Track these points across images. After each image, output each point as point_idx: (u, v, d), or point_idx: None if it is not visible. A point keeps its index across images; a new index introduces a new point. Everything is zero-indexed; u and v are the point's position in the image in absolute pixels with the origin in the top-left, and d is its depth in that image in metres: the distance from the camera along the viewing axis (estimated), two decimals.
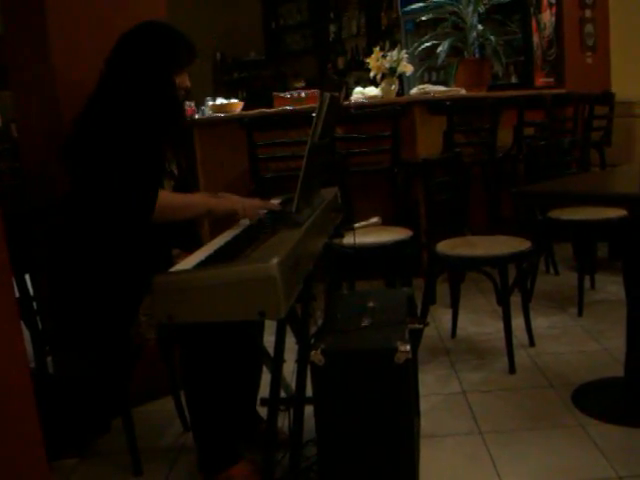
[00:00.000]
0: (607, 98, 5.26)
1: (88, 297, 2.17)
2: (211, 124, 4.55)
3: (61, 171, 2.58)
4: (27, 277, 2.46)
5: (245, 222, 2.22)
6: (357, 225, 3.26)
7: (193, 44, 2.28)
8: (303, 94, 4.74)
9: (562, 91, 5.44)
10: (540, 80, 5.79)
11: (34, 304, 2.44)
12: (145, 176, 2.14)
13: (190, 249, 1.99)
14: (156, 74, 2.21)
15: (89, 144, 2.13)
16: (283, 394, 2.27)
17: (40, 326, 2.46)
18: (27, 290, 2.42)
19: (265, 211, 2.23)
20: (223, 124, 4.45)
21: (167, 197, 2.16)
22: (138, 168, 2.12)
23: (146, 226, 2.13)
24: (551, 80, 5.77)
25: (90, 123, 2.16)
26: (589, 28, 5.92)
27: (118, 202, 2.09)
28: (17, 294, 2.28)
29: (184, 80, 2.27)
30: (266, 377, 2.17)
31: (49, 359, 2.62)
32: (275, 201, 2.49)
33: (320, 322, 2.19)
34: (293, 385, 2.25)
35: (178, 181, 2.38)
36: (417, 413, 2.47)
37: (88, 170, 2.13)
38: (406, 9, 6.91)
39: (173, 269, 1.72)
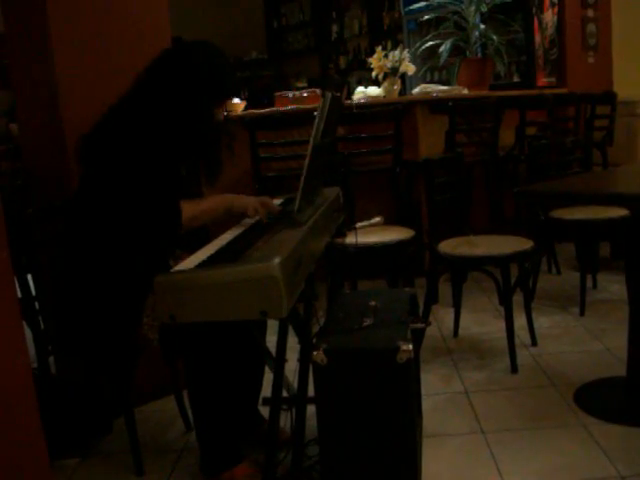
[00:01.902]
0: (609, 98, 5.25)
1: (91, 298, 2.17)
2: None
3: (62, 172, 2.59)
4: (29, 277, 2.46)
5: (247, 222, 2.22)
6: (359, 225, 3.26)
7: (235, 73, 2.24)
8: (305, 94, 4.73)
9: (564, 91, 5.44)
10: (542, 80, 5.79)
11: (36, 304, 2.44)
12: (171, 193, 2.13)
13: (191, 249, 1.99)
14: (199, 105, 2.15)
15: (113, 154, 2.10)
16: (285, 394, 2.27)
17: (42, 326, 2.46)
18: (29, 290, 2.42)
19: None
20: (226, 126, 4.45)
21: (190, 209, 2.15)
22: (166, 185, 2.12)
23: (173, 237, 2.13)
24: (553, 80, 5.76)
25: (119, 132, 2.13)
26: (591, 28, 5.92)
27: (147, 219, 2.09)
28: (19, 294, 2.28)
29: (220, 112, 2.24)
30: (268, 377, 2.17)
31: (51, 359, 2.62)
32: (277, 201, 2.49)
33: (322, 321, 2.19)
34: (295, 385, 2.25)
35: (192, 194, 2.37)
36: (419, 413, 2.47)
37: (109, 177, 2.11)
38: (408, 9, 6.91)
39: (175, 269, 1.72)
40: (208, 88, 2.16)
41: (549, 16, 5.71)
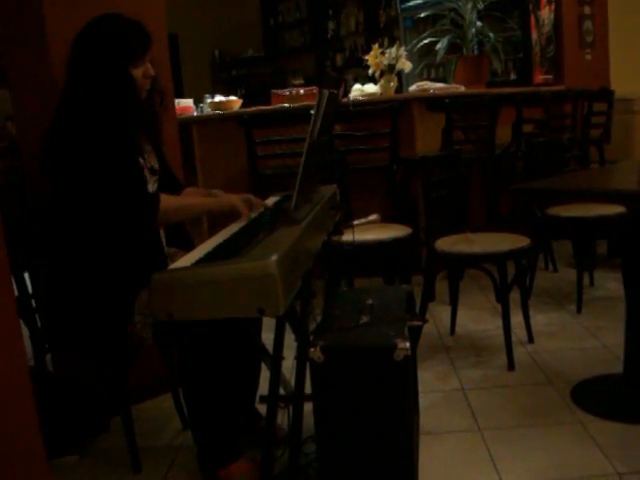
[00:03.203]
0: (606, 95, 5.25)
1: (84, 295, 2.17)
2: (209, 121, 4.55)
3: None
4: (26, 276, 2.46)
5: (244, 219, 2.21)
6: (356, 222, 3.26)
7: (147, 32, 2.20)
8: (302, 91, 4.73)
9: (561, 88, 5.44)
10: (539, 77, 5.79)
11: (33, 302, 2.44)
12: (133, 179, 2.13)
13: (185, 247, 1.98)
14: (110, 70, 2.14)
15: (65, 157, 2.10)
16: (282, 391, 2.27)
17: (39, 324, 2.46)
18: (26, 288, 2.42)
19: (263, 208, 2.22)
20: (221, 121, 4.45)
21: (167, 201, 2.15)
22: (122, 171, 2.10)
23: (147, 229, 2.13)
24: (550, 77, 5.76)
25: (59, 134, 2.13)
26: (588, 25, 5.92)
27: (121, 211, 2.09)
28: (16, 292, 2.28)
29: (147, 70, 2.21)
30: (265, 374, 2.17)
31: (48, 357, 2.62)
32: (273, 198, 2.49)
33: (319, 319, 2.19)
34: (292, 382, 2.25)
35: (162, 176, 2.36)
36: (416, 410, 2.47)
37: (72, 182, 2.11)
38: (405, 6, 6.90)
39: (172, 266, 1.72)
40: (113, 54, 2.14)
41: (546, 13, 5.70)
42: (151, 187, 2.27)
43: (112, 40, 2.16)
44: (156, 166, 2.34)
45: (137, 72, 2.18)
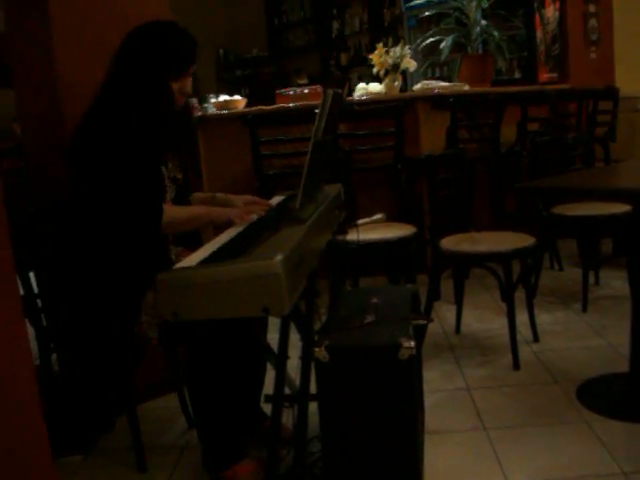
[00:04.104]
0: (611, 93, 5.24)
1: (91, 295, 2.18)
2: (214, 121, 4.55)
3: (65, 171, 2.59)
4: (32, 275, 2.46)
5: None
6: (361, 221, 3.26)
7: (194, 48, 2.22)
8: (306, 91, 4.73)
9: (566, 86, 5.43)
10: (544, 75, 5.78)
11: (38, 302, 2.44)
12: (153, 191, 2.14)
13: (191, 246, 1.99)
14: (152, 81, 2.17)
15: (92, 152, 2.12)
16: (287, 391, 2.27)
17: (44, 324, 2.46)
18: (31, 288, 2.42)
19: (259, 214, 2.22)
20: (226, 121, 4.45)
21: (172, 213, 2.17)
22: (141, 179, 2.12)
23: (152, 235, 2.14)
24: (555, 75, 5.75)
25: (92, 129, 2.15)
26: (593, 23, 5.90)
27: (125, 217, 2.10)
28: (22, 292, 2.28)
29: (185, 86, 2.23)
30: (270, 374, 2.17)
31: (54, 357, 2.63)
32: (278, 198, 2.49)
33: (324, 319, 2.19)
34: (297, 382, 2.25)
35: (181, 186, 2.38)
36: (421, 409, 2.47)
37: (91, 177, 2.13)
38: (409, 5, 6.91)
39: (177, 266, 1.72)
40: (158, 66, 2.16)
41: (551, 11, 5.69)
42: (169, 196, 2.30)
43: (162, 49, 2.17)
44: (179, 175, 2.36)
45: (175, 86, 2.20)
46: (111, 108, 2.16)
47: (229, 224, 2.17)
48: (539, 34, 5.72)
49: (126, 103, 2.16)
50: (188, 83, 2.24)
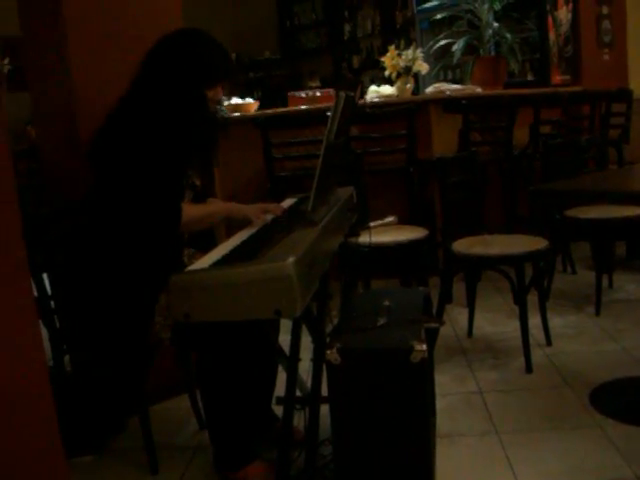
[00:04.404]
0: (624, 95, 5.21)
1: (105, 297, 2.18)
2: (226, 124, 4.55)
3: (78, 173, 2.61)
4: (45, 277, 2.48)
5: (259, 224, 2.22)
6: (373, 224, 3.25)
7: (230, 58, 2.27)
8: (318, 93, 4.74)
9: (579, 88, 5.41)
10: (556, 78, 5.76)
11: (52, 303, 2.46)
12: (173, 193, 2.15)
13: (205, 248, 1.99)
14: (188, 88, 2.18)
15: (116, 151, 2.13)
16: (299, 393, 2.27)
17: (58, 325, 2.47)
18: (45, 289, 2.43)
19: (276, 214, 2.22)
20: (238, 124, 4.46)
21: (190, 211, 2.17)
22: (168, 184, 2.14)
23: (170, 238, 2.15)
24: (568, 77, 5.73)
25: (118, 129, 2.16)
26: (606, 24, 5.88)
27: (144, 218, 2.11)
28: (35, 293, 2.29)
29: (217, 94, 2.25)
30: (282, 376, 2.17)
31: (66, 358, 2.64)
32: (290, 200, 2.50)
33: (336, 321, 2.19)
34: (309, 384, 2.25)
35: (198, 192, 2.39)
36: (433, 412, 2.46)
37: (113, 179, 2.14)
38: (421, 7, 6.89)
39: (189, 268, 1.72)
40: (197, 68, 2.18)
41: (563, 13, 5.67)
42: (186, 200, 2.31)
43: (199, 57, 2.19)
44: (197, 182, 2.38)
45: (209, 94, 2.22)
46: (140, 110, 2.16)
47: (245, 222, 2.18)
48: (552, 36, 5.70)
49: (157, 107, 2.16)
50: (220, 91, 2.26)
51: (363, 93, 4.78)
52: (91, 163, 2.22)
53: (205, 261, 1.75)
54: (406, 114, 3.95)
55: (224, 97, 5.21)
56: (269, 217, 2.19)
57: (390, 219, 3.59)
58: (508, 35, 5.08)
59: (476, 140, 4.26)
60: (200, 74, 2.19)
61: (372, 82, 6.51)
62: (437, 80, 6.16)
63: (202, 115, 2.23)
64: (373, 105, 4.36)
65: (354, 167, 3.77)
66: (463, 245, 3.10)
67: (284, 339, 2.24)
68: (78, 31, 2.61)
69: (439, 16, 5.90)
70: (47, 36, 2.66)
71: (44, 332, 2.26)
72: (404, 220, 3.74)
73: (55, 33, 2.60)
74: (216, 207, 2.35)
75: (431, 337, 2.28)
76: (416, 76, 5.25)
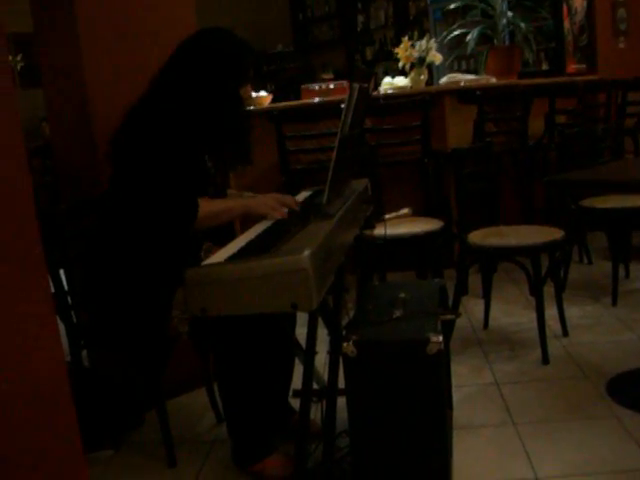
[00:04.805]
0: None
1: (122, 292, 2.19)
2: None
3: (92, 169, 2.62)
4: (62, 272, 2.49)
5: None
6: (388, 216, 3.25)
7: (255, 55, 2.27)
8: (332, 86, 4.73)
9: (594, 77, 5.36)
10: (572, 67, 5.72)
11: (69, 299, 2.47)
12: (191, 187, 2.16)
13: (222, 242, 1.99)
14: (225, 87, 2.19)
15: (137, 147, 2.13)
16: (315, 386, 2.27)
17: (75, 320, 2.49)
18: (62, 285, 2.45)
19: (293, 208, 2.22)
20: (252, 117, 4.46)
21: (207, 206, 2.17)
22: (187, 179, 2.14)
23: (186, 232, 2.15)
24: (583, 66, 5.69)
25: (141, 127, 2.16)
26: (622, 12, 5.82)
27: (161, 211, 2.11)
28: (52, 289, 2.31)
29: (247, 90, 2.26)
30: (298, 369, 2.18)
31: (84, 353, 2.66)
32: (305, 193, 2.49)
33: (352, 313, 2.19)
34: (325, 377, 2.25)
35: (218, 187, 2.39)
36: (450, 404, 2.46)
37: (133, 172, 2.14)
38: None
39: (206, 262, 1.73)
40: (231, 68, 2.19)
41: (578, 1, 5.63)
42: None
43: (231, 56, 2.20)
44: (218, 178, 2.39)
45: (241, 92, 2.24)
46: (166, 109, 2.16)
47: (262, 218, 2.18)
48: (566, 24, 5.65)
49: (187, 106, 2.16)
50: (249, 89, 2.28)
51: (377, 85, 4.77)
52: (110, 159, 2.22)
53: (221, 255, 1.75)
54: (420, 105, 3.94)
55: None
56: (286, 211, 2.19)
57: (405, 211, 3.58)
58: (522, 24, 5.05)
59: (491, 131, 4.24)
60: (232, 74, 2.19)
61: (386, 74, 6.50)
62: (451, 71, 6.14)
63: (237, 112, 2.24)
64: (387, 97, 4.35)
65: (368, 159, 3.76)
66: (478, 236, 3.09)
67: (300, 332, 2.24)
68: (91, 28, 2.61)
69: (452, 6, 5.87)
70: (60, 33, 2.67)
71: (61, 327, 2.28)
72: (419, 212, 3.74)
73: (68, 30, 2.61)
74: (234, 204, 2.32)
75: (447, 329, 2.28)
76: (430, 67, 5.23)
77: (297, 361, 2.41)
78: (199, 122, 2.17)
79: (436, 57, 4.61)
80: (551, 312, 3.18)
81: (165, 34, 2.66)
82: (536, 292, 2.96)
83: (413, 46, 4.58)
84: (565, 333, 3.22)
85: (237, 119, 2.25)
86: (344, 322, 2.10)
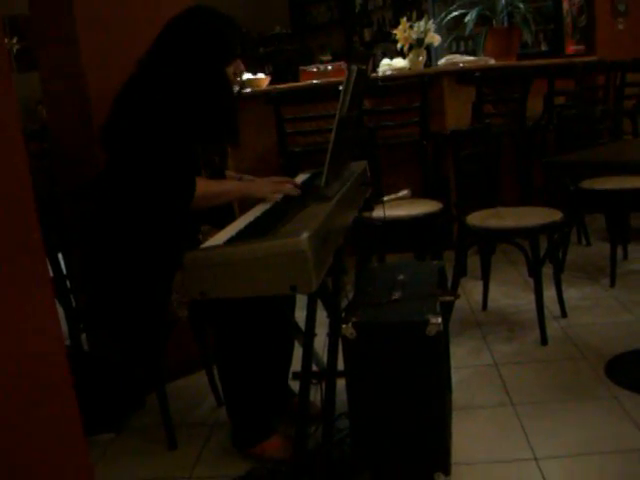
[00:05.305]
0: (639, 65, 5.14)
1: (121, 275, 2.19)
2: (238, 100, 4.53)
3: (89, 152, 2.61)
4: (60, 256, 2.49)
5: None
6: (387, 198, 3.25)
7: (240, 29, 2.23)
8: (330, 67, 4.70)
9: (593, 59, 5.34)
10: (570, 48, 5.69)
11: (68, 282, 2.47)
12: (186, 167, 2.15)
13: (221, 225, 1.99)
14: (209, 66, 2.17)
15: (130, 128, 2.12)
16: (315, 368, 2.28)
17: (74, 304, 2.49)
18: (60, 269, 2.45)
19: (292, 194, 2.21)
20: (250, 99, 4.44)
21: (204, 186, 2.16)
22: (180, 159, 2.13)
23: (183, 212, 2.14)
24: (582, 47, 5.66)
25: (132, 106, 2.14)
26: None
27: (157, 191, 2.10)
28: (51, 273, 2.31)
29: (238, 66, 2.23)
30: (298, 351, 2.18)
31: (83, 336, 2.66)
32: (303, 175, 2.49)
33: (351, 295, 2.19)
34: (325, 359, 2.26)
35: (215, 169, 2.38)
36: (449, 385, 2.47)
37: (127, 155, 2.13)
38: None
39: (204, 245, 1.73)
40: (214, 46, 2.17)
41: None
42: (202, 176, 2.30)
43: (216, 33, 2.17)
44: (216, 159, 2.37)
45: (229, 70, 2.21)
46: (154, 89, 2.14)
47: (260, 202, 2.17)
48: (565, 5, 5.62)
49: (180, 85, 2.15)
50: (239, 64, 2.24)
51: (375, 66, 4.74)
52: (104, 143, 2.21)
53: (219, 238, 1.75)
54: (419, 87, 3.92)
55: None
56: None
57: (404, 193, 3.58)
58: (521, 5, 5.01)
59: (490, 112, 4.23)
60: (216, 51, 2.17)
61: (384, 55, 6.46)
62: (450, 52, 6.10)
63: (223, 92, 2.22)
64: (385, 78, 4.33)
65: (367, 141, 3.75)
66: (477, 218, 3.09)
67: (299, 315, 2.24)
68: (87, 10, 2.59)
69: None
70: (56, 15, 2.65)
71: (60, 311, 2.28)
72: (418, 194, 3.73)
73: (64, 12, 2.59)
74: (232, 186, 2.32)
75: (446, 310, 2.28)
76: (428, 48, 5.19)
77: (296, 343, 2.41)
78: (185, 102, 2.16)
79: (434, 38, 4.58)
80: (549, 293, 3.19)
81: (161, 17, 2.63)
82: (535, 273, 2.97)
83: (411, 27, 4.55)
84: (564, 314, 3.23)
85: (223, 98, 2.22)
86: (343, 304, 2.10)
